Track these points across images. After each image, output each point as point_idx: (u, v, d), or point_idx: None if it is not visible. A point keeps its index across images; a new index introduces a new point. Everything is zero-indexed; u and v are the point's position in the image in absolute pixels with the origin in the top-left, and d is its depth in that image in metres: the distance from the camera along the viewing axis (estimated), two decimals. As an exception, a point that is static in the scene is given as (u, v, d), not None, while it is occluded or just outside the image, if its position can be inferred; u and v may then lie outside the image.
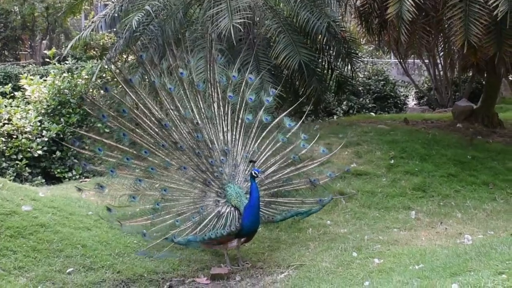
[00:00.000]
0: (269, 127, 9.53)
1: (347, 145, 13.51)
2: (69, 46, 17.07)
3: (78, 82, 15.66)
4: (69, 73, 16.52)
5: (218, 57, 9.76)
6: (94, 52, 23.45)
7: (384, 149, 13.84)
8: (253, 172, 8.56)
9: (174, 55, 9.62)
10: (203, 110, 9.25)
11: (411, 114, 21.95)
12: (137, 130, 9.21)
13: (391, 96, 24.75)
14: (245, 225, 8.72)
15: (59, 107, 14.89)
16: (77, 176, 14.18)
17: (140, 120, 9.15)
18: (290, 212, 9.42)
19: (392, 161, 13.27)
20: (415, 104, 27.33)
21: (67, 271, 8.41)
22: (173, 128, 9.11)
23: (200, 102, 9.31)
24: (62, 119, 14.69)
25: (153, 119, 9.13)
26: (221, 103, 9.41)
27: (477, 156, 14.25)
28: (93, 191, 9.92)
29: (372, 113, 22.41)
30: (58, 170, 14.28)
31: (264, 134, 9.50)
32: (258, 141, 9.43)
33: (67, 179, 14.12)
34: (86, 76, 16.43)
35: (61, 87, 15.15)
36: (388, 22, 13.92)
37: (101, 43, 23.22)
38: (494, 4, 11.91)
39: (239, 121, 9.42)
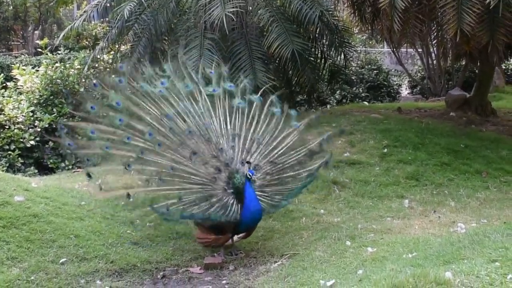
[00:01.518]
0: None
1: (341, 134, 13.49)
2: (61, 36, 17.03)
3: (71, 72, 15.62)
4: (62, 63, 16.47)
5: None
6: (87, 42, 23.36)
7: (377, 138, 13.83)
8: (247, 174, 8.47)
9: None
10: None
11: (405, 103, 21.95)
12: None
13: (384, 85, 24.77)
14: (243, 221, 8.68)
15: (51, 97, 14.85)
16: (70, 167, 14.15)
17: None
18: (295, 189, 9.34)
19: (385, 150, 13.27)
20: (408, 93, 27.32)
21: (60, 261, 8.37)
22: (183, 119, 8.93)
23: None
24: (54, 109, 14.66)
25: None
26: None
27: (470, 144, 14.26)
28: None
29: (366, 102, 22.42)
30: (51, 161, 14.25)
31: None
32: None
33: (60, 170, 14.09)
34: (79, 66, 16.40)
35: (54, 77, 15.12)
36: (381, 11, 13.89)
37: (94, 33, 23.10)
38: (487, -8, 11.93)
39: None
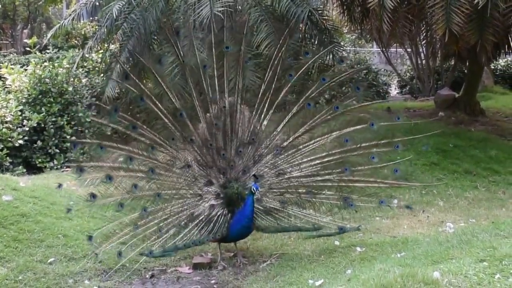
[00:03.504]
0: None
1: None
2: (49, 35, 16.98)
3: (59, 71, 15.54)
4: (50, 62, 16.40)
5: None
6: (76, 41, 23.26)
7: (366, 138, 13.81)
8: (252, 188, 8.08)
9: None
10: (239, 92, 8.57)
11: (394, 103, 21.98)
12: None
13: (374, 85, 24.74)
14: (231, 234, 8.50)
15: (40, 96, 14.77)
16: (59, 166, 14.10)
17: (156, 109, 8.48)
18: (290, 227, 8.80)
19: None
20: (397, 92, 27.36)
21: (49, 261, 8.37)
22: (190, 116, 8.54)
23: (240, 82, 8.57)
24: (43, 109, 14.57)
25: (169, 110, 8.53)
26: (274, 84, 8.65)
27: (459, 144, 14.33)
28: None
29: (355, 102, 22.37)
30: (39, 160, 14.17)
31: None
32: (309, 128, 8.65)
33: (48, 169, 14.01)
34: (67, 65, 16.33)
35: (42, 76, 15.03)
36: (370, 11, 13.93)
37: (83, 32, 23.02)
38: (475, -7, 11.98)
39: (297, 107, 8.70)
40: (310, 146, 8.61)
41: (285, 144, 8.61)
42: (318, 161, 8.57)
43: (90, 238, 8.51)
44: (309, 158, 8.58)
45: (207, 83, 8.59)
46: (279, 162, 8.60)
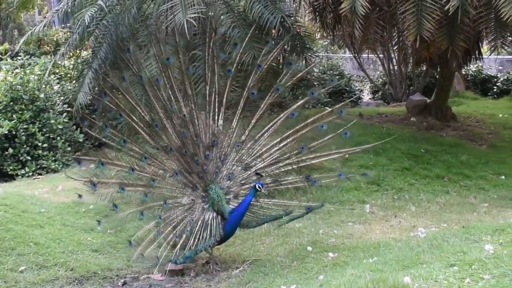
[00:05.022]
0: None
1: (302, 140, 13.52)
2: (21, 42, 16.84)
3: (31, 78, 15.46)
4: (22, 69, 16.33)
5: None
6: (48, 48, 23.13)
7: (339, 143, 13.86)
8: (257, 186, 8.19)
9: (157, 42, 9.05)
10: (191, 98, 8.71)
11: (366, 108, 22.07)
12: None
13: (346, 90, 24.84)
14: (226, 232, 8.58)
15: (11, 103, 14.70)
16: (30, 173, 14.02)
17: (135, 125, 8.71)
18: (267, 217, 8.98)
19: (347, 156, 13.30)
20: (370, 98, 27.43)
21: (20, 269, 8.31)
22: (162, 127, 8.71)
23: (189, 89, 8.73)
24: (14, 116, 14.50)
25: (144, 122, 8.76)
26: (216, 83, 8.80)
27: (431, 149, 14.44)
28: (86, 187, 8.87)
29: (327, 108, 22.42)
30: (11, 167, 14.11)
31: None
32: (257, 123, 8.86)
33: (20, 176, 13.95)
34: (39, 72, 16.26)
35: (13, 83, 14.97)
36: (342, 17, 13.99)
37: (55, 39, 22.90)
38: (445, -1, 12.09)
39: (243, 99, 8.86)
40: (265, 134, 8.81)
41: (243, 138, 8.80)
42: (276, 148, 8.80)
43: (130, 243, 8.65)
44: (267, 147, 8.78)
45: (163, 95, 8.75)
46: (243, 157, 8.78)
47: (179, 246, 8.27)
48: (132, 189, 8.63)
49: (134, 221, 8.86)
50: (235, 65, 9.02)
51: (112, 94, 8.83)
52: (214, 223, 8.48)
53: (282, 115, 8.89)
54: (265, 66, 8.99)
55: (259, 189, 8.23)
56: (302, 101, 9.02)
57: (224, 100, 8.85)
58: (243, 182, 8.83)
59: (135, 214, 8.61)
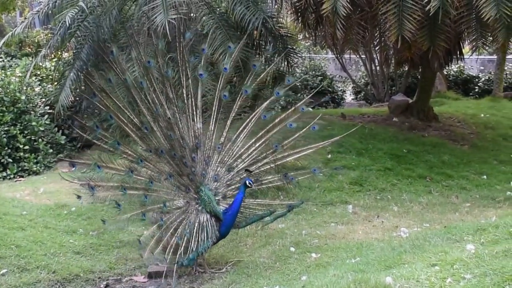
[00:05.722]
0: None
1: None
2: (1, 43, 16.73)
3: (12, 80, 15.37)
4: (3, 71, 16.23)
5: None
6: (29, 49, 23.00)
7: (311, 140, 13.88)
8: (247, 182, 8.27)
9: (137, 45, 9.12)
10: (173, 100, 8.76)
11: (348, 109, 22.14)
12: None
13: (329, 91, 24.89)
14: (222, 233, 8.58)
15: (-9, 105, 14.61)
16: (12, 176, 13.94)
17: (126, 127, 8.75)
18: (254, 216, 9.03)
19: (329, 156, 13.37)
20: (352, 99, 27.52)
21: (1, 272, 8.28)
22: (151, 130, 8.74)
23: (170, 92, 8.76)
24: (-5, 118, 14.41)
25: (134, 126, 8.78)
26: (190, 86, 8.86)
27: (413, 149, 14.49)
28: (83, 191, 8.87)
29: (310, 109, 22.46)
30: (-9, 170, 14.02)
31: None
32: (231, 126, 8.94)
33: (1, 179, 13.85)
34: (20, 74, 16.17)
35: (-6, 85, 14.87)
36: (324, 18, 13.98)
37: (36, 40, 22.77)
38: (426, 0, 12.11)
39: (216, 101, 8.92)
40: (241, 135, 8.90)
41: (221, 140, 8.86)
42: (252, 148, 8.92)
43: (139, 242, 8.57)
44: (245, 148, 8.89)
45: (148, 98, 8.76)
46: (225, 159, 8.85)
47: (182, 249, 8.19)
48: (132, 192, 8.62)
49: (135, 222, 9.03)
50: (205, 69, 9.08)
51: (100, 95, 8.85)
52: (209, 225, 8.46)
53: (251, 116, 8.98)
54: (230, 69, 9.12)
55: (249, 185, 8.32)
56: (267, 102, 9.05)
57: (199, 103, 8.90)
58: (228, 183, 8.86)
59: (137, 216, 8.60)
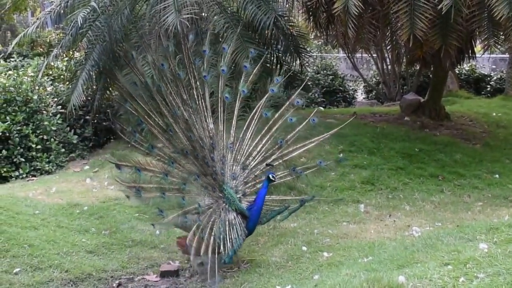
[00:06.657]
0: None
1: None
2: (14, 43, 16.81)
3: (24, 80, 15.42)
4: (15, 71, 16.28)
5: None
6: (41, 49, 23.07)
7: (333, 143, 13.87)
8: (270, 176, 8.37)
9: (150, 48, 9.25)
10: (187, 102, 8.80)
11: (360, 108, 22.10)
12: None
13: (340, 90, 24.90)
14: (250, 229, 8.65)
15: (4, 105, 14.63)
16: (24, 175, 13.99)
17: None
18: (272, 212, 9.07)
19: (341, 155, 13.34)
20: (363, 98, 27.49)
21: (14, 271, 8.27)
22: (175, 132, 8.84)
23: (184, 93, 8.82)
24: (7, 117, 14.44)
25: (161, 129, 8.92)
26: (199, 87, 8.93)
27: (425, 148, 14.44)
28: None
29: (321, 108, 22.48)
30: (4, 169, 14.04)
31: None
32: (238, 125, 9.06)
33: (14, 178, 13.90)
34: (32, 74, 16.23)
35: (7, 84, 14.90)
36: (335, 17, 13.97)
37: (48, 40, 22.83)
38: (438, -2, 12.11)
39: (220, 102, 9.02)
40: (247, 134, 8.99)
41: (231, 139, 8.97)
42: (260, 145, 9.00)
43: (187, 245, 8.46)
44: (253, 146, 8.97)
45: (167, 101, 8.83)
46: (237, 157, 8.92)
47: (222, 247, 8.20)
48: (170, 194, 8.73)
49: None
50: (208, 70, 9.16)
51: (130, 99, 8.98)
52: (237, 222, 8.51)
53: (251, 114, 9.05)
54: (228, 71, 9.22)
55: (273, 179, 8.40)
56: (263, 99, 9.09)
57: (208, 104, 8.97)
58: (245, 181, 8.92)
59: (180, 217, 8.63)
